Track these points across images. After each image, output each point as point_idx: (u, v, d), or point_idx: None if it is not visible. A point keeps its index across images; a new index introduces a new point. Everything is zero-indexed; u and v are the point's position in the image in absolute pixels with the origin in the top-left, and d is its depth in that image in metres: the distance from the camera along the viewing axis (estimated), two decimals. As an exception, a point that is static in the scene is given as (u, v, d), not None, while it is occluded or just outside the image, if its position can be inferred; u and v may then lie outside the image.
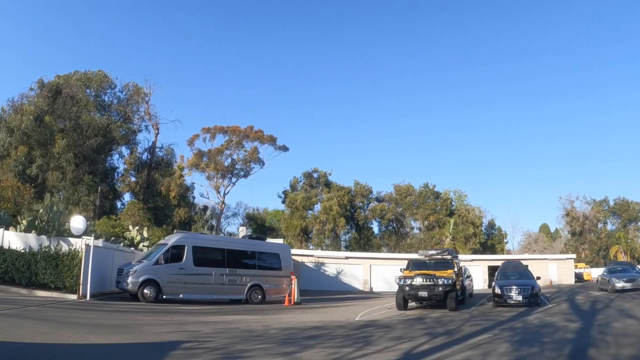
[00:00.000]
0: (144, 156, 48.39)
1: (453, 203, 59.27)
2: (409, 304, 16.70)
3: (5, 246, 17.59)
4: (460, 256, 26.74)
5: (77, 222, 18.15)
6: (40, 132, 36.56)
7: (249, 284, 18.83)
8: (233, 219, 64.30)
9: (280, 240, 34.41)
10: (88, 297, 15.96)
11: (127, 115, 46.41)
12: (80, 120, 39.17)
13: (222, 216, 58.28)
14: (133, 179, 49.06)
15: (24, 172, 34.57)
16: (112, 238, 25.09)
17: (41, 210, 19.67)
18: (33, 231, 19.22)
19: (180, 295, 17.20)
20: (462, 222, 54.19)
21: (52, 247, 17.35)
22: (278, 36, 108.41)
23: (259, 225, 58.40)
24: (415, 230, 60.96)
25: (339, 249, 51.82)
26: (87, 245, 16.43)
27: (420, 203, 58.24)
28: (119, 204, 47.64)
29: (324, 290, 30.16)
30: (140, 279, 16.32)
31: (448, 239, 51.19)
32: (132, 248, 24.49)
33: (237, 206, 64.76)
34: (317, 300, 22.27)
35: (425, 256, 18.12)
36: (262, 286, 19.27)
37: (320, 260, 34.02)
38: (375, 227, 61.00)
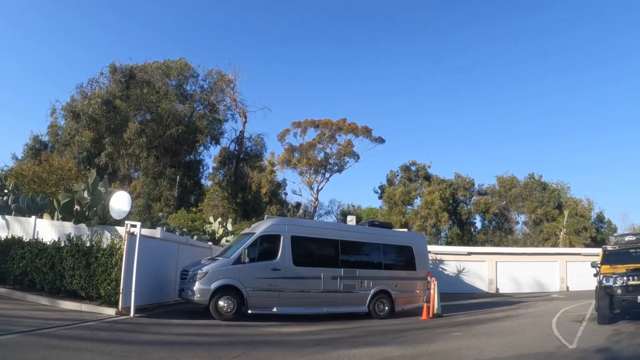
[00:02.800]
0: (231, 147, 49.82)
1: (559, 194, 60.13)
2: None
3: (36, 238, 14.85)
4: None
5: (118, 200, 14.66)
6: (111, 117, 37.25)
7: (372, 291, 15.19)
8: (326, 217, 66.16)
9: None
10: (132, 313, 11.89)
11: (211, 104, 47.05)
12: (159, 109, 39.83)
13: (315, 214, 60.26)
14: (220, 172, 50.10)
15: (89, 159, 34.70)
16: (184, 230, 22.39)
17: (81, 190, 16.87)
18: (72, 219, 16.60)
19: (274, 309, 13.45)
20: (570, 214, 54.81)
21: (87, 239, 14.14)
22: (370, 30, 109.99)
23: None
24: (520, 225, 62.75)
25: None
26: (131, 235, 12.37)
27: (526, 195, 59.23)
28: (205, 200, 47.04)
29: (442, 292, 25.30)
30: (214, 286, 12.67)
31: (562, 233, 50.78)
32: (210, 243, 21.25)
33: (330, 203, 67.37)
34: (451, 308, 18.07)
35: (627, 243, 15.11)
36: (390, 293, 15.60)
37: (439, 257, 32.24)
38: (477, 222, 63.50)
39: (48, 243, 13.82)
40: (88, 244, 13.42)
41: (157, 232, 15.55)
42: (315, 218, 59.07)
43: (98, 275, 12.55)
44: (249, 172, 48.49)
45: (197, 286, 12.63)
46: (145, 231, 13.30)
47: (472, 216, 61.51)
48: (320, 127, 54.90)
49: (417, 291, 16.48)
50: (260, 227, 14.46)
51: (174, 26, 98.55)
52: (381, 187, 61.71)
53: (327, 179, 55.98)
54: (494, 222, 62.01)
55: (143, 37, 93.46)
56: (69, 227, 16.05)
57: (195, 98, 46.95)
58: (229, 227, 27.00)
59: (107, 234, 14.83)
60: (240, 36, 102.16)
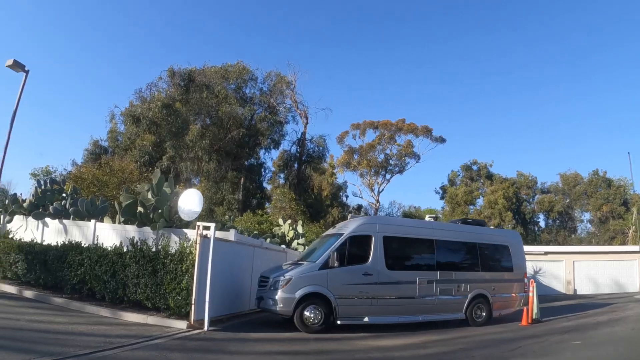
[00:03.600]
0: (293, 149, 50.56)
1: (625, 191, 60.03)
2: None
3: (96, 243, 14.09)
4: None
5: (188, 200, 13.47)
6: (171, 121, 38.21)
7: (470, 295, 14.06)
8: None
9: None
10: (206, 327, 10.52)
11: (271, 106, 47.50)
12: (219, 113, 40.40)
13: (376, 215, 58.72)
14: (279, 175, 50.47)
15: (151, 163, 35.11)
16: (256, 233, 21.38)
17: (145, 191, 15.94)
18: (136, 222, 15.70)
19: (365, 319, 12.33)
20: (639, 211, 52.62)
21: (152, 243, 13.09)
22: (427, 31, 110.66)
23: None
24: (585, 223, 63.52)
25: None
26: (204, 238, 11.09)
27: (590, 192, 59.94)
28: (267, 204, 47.24)
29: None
30: (299, 294, 11.61)
31: (631, 231, 49.65)
32: (283, 246, 20.03)
33: (390, 205, 68.45)
34: (541, 311, 15.88)
35: None
36: (488, 297, 14.43)
37: (514, 257, 30.23)
38: (541, 221, 64.38)
39: (109, 248, 12.78)
40: (154, 249, 12.35)
41: (231, 235, 14.24)
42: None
43: (166, 283, 11.30)
44: (311, 174, 48.94)
45: (279, 295, 11.54)
46: (218, 234, 12.00)
47: (536, 215, 62.77)
48: (380, 128, 56.36)
49: (514, 294, 15.28)
50: (348, 227, 13.22)
51: (230, 30, 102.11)
52: (442, 188, 63.50)
53: (388, 181, 57.44)
54: (557, 221, 62.85)
55: (199, 42, 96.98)
56: (131, 230, 15.13)
57: (255, 101, 47.57)
58: (299, 229, 26.10)
59: (175, 238, 13.69)
60: (296, 39, 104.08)
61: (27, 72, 18.73)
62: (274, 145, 48.76)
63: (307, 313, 11.60)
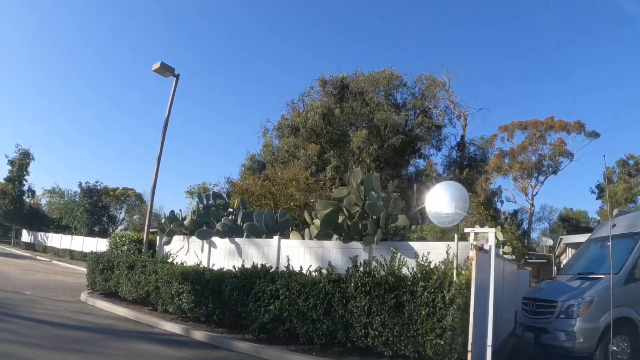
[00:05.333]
0: (453, 154, 51.29)
1: None
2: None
3: (285, 265, 11.02)
4: None
5: (441, 198, 9.68)
6: (331, 129, 39.94)
7: None
8: (538, 224, 71.00)
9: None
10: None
11: (425, 110, 48.33)
12: (375, 120, 41.59)
13: (532, 221, 63.30)
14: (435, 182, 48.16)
15: (317, 173, 35.31)
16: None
17: (349, 196, 12.67)
18: (335, 236, 12.47)
19: None
20: None
21: (381, 261, 9.57)
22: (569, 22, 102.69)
23: (574, 227, 60.70)
24: None
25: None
26: (481, 251, 7.91)
27: None
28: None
29: None
30: (604, 322, 9.22)
31: None
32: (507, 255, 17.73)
33: (541, 209, 70.15)
34: None
35: None
36: None
37: None
38: None
39: (314, 274, 9.61)
40: (382, 271, 8.82)
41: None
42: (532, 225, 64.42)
43: (419, 321, 7.70)
44: (474, 179, 49.55)
45: (578, 325, 9.26)
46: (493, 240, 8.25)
47: None
48: (529, 128, 57.74)
49: None
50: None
51: (375, 36, 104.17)
52: (598, 186, 63.03)
53: (542, 183, 58.73)
54: None
55: (344, 50, 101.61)
56: (331, 247, 11.79)
57: (408, 106, 48.40)
58: (500, 236, 22.58)
59: (404, 257, 9.97)
60: (435, 40, 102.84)
61: (177, 76, 17.46)
62: (434, 150, 49.41)
63: (614, 347, 9.13)
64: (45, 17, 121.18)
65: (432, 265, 8.41)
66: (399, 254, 9.26)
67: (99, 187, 55.43)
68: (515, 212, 61.54)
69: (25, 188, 57.09)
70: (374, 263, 9.20)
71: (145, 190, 65.66)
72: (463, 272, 7.89)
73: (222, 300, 10.59)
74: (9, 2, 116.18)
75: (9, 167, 55.51)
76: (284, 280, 9.64)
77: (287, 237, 13.82)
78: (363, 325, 8.35)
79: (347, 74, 45.32)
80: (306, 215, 13.82)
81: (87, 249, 38.59)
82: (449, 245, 8.73)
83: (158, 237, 17.00)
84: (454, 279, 7.81)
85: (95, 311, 13.10)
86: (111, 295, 14.61)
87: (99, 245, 38.03)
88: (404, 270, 8.81)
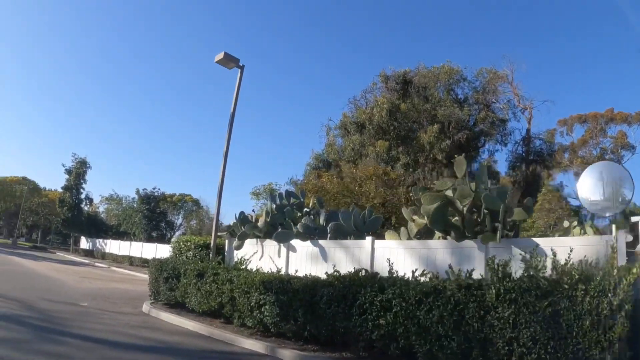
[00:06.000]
0: (518, 149, 49.91)
1: None
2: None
3: (388, 270, 9.27)
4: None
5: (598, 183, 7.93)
6: (397, 125, 39.29)
7: None
8: (601, 220, 62.68)
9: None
10: None
11: (487, 104, 47.80)
12: (439, 116, 41.08)
13: (595, 216, 54.79)
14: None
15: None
16: None
17: (461, 187, 10.81)
18: (437, 234, 10.65)
19: None
20: None
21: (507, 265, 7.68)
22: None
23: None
24: None
25: None
26: None
27: None
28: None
29: None
30: None
31: None
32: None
33: None
34: None
35: None
36: None
37: None
38: None
39: (422, 279, 7.85)
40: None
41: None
42: (595, 221, 57.86)
43: (580, 333, 5.94)
44: (541, 175, 48.78)
45: None
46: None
47: None
48: (589, 121, 56.33)
49: None
50: None
51: (435, 31, 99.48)
52: None
53: None
54: None
55: (400, 46, 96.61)
56: (439, 247, 10.07)
57: (469, 101, 47.70)
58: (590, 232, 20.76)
59: (517, 253, 8.11)
60: (494, 32, 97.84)
61: (241, 67, 16.22)
62: (499, 145, 48.38)
63: None
64: (96, 33, 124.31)
65: (568, 265, 6.88)
66: (514, 251, 7.49)
67: (156, 194, 56.29)
68: (579, 209, 59.49)
69: (83, 196, 58.16)
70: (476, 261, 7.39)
71: (201, 195, 66.23)
72: (635, 269, 6.24)
73: (316, 313, 8.92)
74: (61, 17, 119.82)
75: (67, 176, 56.95)
76: (395, 289, 7.84)
77: (378, 237, 12.06)
78: (507, 341, 6.51)
79: (409, 69, 44.70)
80: (404, 212, 12.05)
81: (146, 255, 39.23)
82: (602, 238, 7.46)
83: (226, 242, 15.73)
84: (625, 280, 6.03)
85: (161, 325, 11.62)
86: (177, 306, 13.14)
87: (159, 251, 38.19)
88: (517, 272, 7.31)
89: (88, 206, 61.14)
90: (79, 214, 56.80)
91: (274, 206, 14.92)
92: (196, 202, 66.82)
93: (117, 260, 43.12)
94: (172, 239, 20.20)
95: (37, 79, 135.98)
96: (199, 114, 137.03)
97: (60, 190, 59.86)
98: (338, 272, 9.28)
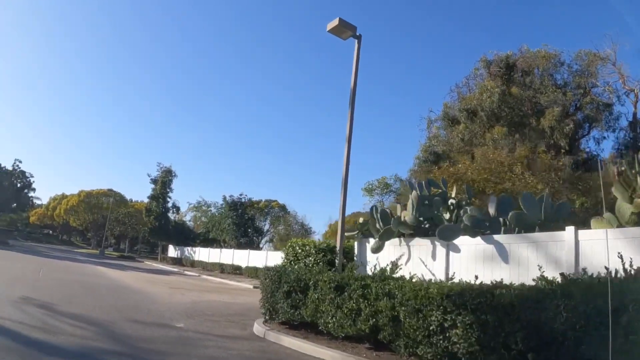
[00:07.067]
0: (624, 135, 46.19)
1: None
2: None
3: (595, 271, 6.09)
4: None
5: None
6: (510, 111, 37.69)
7: None
8: None
9: None
10: None
11: (589, 89, 44.88)
12: (542, 101, 39.44)
13: None
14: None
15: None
16: None
17: None
18: None
19: None
20: None
21: None
22: None
23: None
24: None
25: None
26: None
27: None
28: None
29: None
30: None
31: None
32: None
33: None
34: None
35: None
36: None
37: None
38: None
39: None
40: None
41: None
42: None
43: None
44: None
45: None
46: None
47: None
48: None
49: None
50: None
51: (529, 17, 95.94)
52: None
53: None
54: None
55: (496, 32, 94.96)
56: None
57: (570, 86, 44.62)
58: None
59: None
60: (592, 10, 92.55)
61: (358, 37, 13.61)
62: (607, 132, 44.87)
63: None
64: (197, 42, 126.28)
65: None
66: None
67: (243, 200, 55.48)
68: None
69: (170, 204, 58.67)
70: None
71: (286, 202, 65.03)
72: None
73: (554, 340, 5.73)
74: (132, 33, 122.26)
75: (152, 185, 58.00)
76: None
77: (562, 229, 8.84)
78: None
79: (511, 52, 42.47)
80: (616, 191, 8.73)
81: (237, 262, 38.58)
82: None
83: (356, 244, 12.90)
84: None
85: (286, 356, 8.63)
86: (301, 326, 10.12)
87: (251, 257, 37.47)
88: None
89: (175, 214, 61.58)
90: (166, 222, 57.16)
91: (415, 199, 11.79)
92: (283, 208, 65.87)
93: (207, 268, 42.03)
94: (261, 245, 17.61)
95: (114, 92, 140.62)
96: (279, 120, 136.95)
97: (146, 200, 60.89)
98: (567, 277, 6.14)
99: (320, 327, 9.19)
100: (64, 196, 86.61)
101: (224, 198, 55.11)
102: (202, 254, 46.96)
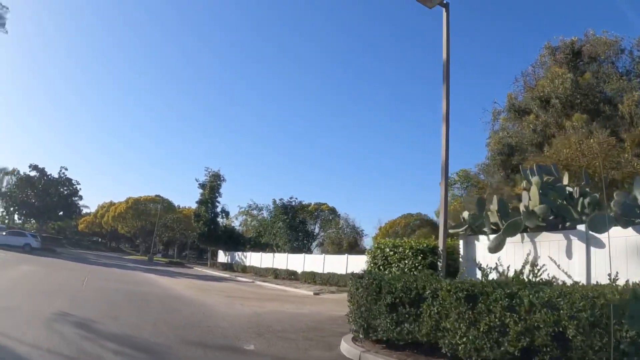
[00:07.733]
0: None
1: None
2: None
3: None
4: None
5: None
6: (584, 99, 36.79)
7: None
8: None
9: None
10: None
11: None
12: (609, 90, 38.03)
13: None
14: None
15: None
16: None
17: None
18: None
19: None
20: None
21: None
22: None
23: None
24: None
25: None
26: None
27: None
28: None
29: None
30: None
31: None
32: None
33: None
34: None
35: None
36: None
37: None
38: None
39: None
40: None
41: None
42: None
43: None
44: None
45: None
46: None
47: None
48: None
49: None
50: None
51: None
52: None
53: None
54: None
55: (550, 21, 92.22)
56: None
57: (633, 73, 42.41)
58: None
59: None
60: None
61: (446, 5, 12.99)
62: None
63: None
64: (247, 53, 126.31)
65: None
66: None
67: (293, 203, 54.53)
68: None
69: (219, 209, 57.90)
70: None
71: (335, 206, 64.05)
72: None
73: None
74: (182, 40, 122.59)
75: (200, 190, 57.39)
76: None
77: None
78: None
79: (576, 37, 41.04)
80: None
81: (291, 267, 37.41)
82: None
83: (461, 243, 11.12)
84: None
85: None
86: (408, 347, 8.02)
87: (307, 262, 36.47)
88: None
89: (224, 219, 60.65)
90: (216, 227, 56.32)
91: (530, 189, 9.93)
92: (333, 211, 64.50)
93: (260, 273, 40.76)
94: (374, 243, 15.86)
95: (164, 97, 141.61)
96: (326, 119, 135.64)
97: (194, 206, 60.47)
98: None
99: (443, 350, 7.12)
100: (111, 203, 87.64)
101: (274, 202, 54.40)
102: (254, 258, 46.09)
